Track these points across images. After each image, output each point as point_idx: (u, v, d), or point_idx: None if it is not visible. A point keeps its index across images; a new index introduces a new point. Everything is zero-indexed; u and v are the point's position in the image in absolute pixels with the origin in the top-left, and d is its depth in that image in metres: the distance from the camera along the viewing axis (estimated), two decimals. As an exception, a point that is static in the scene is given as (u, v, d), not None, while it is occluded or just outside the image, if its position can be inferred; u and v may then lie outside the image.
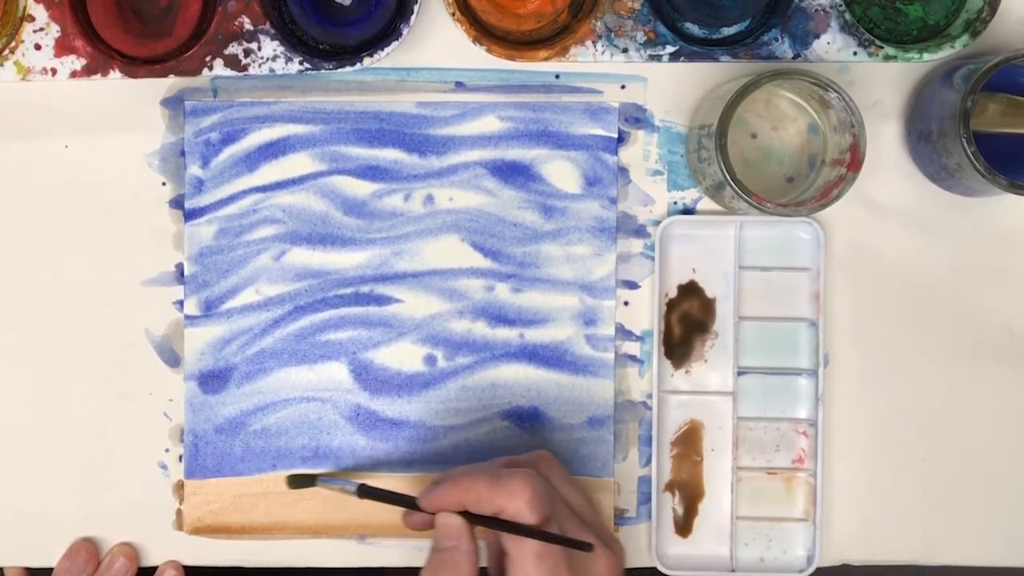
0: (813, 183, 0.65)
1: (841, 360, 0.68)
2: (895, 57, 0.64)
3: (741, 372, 0.68)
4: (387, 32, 0.65)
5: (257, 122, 0.67)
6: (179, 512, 0.68)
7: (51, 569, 0.68)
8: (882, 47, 0.64)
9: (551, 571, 0.56)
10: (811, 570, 0.67)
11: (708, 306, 0.68)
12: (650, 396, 0.68)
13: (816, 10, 0.65)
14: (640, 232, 0.68)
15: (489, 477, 0.58)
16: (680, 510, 0.68)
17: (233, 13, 0.64)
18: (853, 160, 0.61)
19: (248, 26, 0.64)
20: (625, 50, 0.65)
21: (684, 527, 0.68)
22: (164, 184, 0.68)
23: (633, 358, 0.68)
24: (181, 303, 0.68)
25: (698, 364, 0.68)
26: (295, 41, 0.65)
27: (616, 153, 0.68)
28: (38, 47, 0.64)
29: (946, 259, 0.68)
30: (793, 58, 0.65)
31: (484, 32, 0.65)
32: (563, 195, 0.68)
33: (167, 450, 0.68)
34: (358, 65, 0.64)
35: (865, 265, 0.68)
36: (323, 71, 0.65)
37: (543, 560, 0.56)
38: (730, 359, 0.68)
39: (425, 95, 0.68)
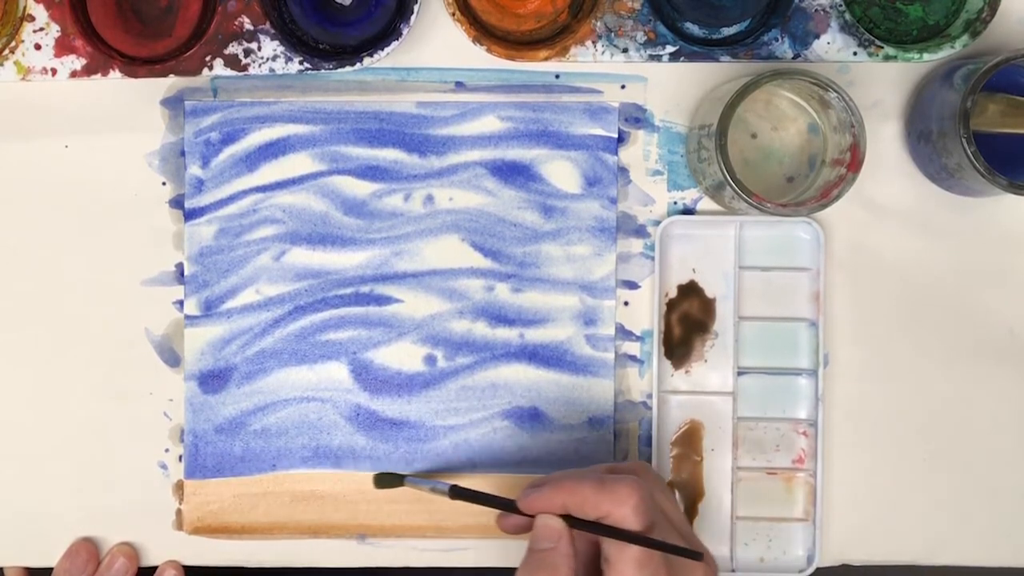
0: (813, 183, 0.65)
1: (841, 360, 0.68)
2: (895, 57, 0.64)
3: (741, 372, 0.68)
4: (387, 32, 0.65)
5: (257, 122, 0.67)
6: (179, 512, 0.68)
7: (51, 569, 0.68)
8: (882, 47, 0.64)
9: None
10: (811, 570, 0.67)
11: (708, 306, 0.68)
12: (650, 396, 0.68)
13: (816, 10, 0.65)
14: (640, 232, 0.68)
15: (595, 482, 0.58)
16: (680, 510, 0.68)
17: (233, 13, 0.64)
18: (853, 160, 0.61)
19: (248, 26, 0.64)
20: (625, 50, 0.65)
21: (684, 527, 0.68)
22: (164, 184, 0.68)
23: (633, 358, 0.68)
24: (181, 303, 0.68)
25: (698, 364, 0.68)
26: (295, 41, 0.65)
27: (616, 153, 0.68)
28: (38, 47, 0.64)
29: (946, 259, 0.68)
30: (793, 58, 0.65)
31: (484, 32, 0.65)
32: (563, 195, 0.68)
33: (167, 450, 0.68)
34: (358, 65, 0.64)
35: (865, 265, 0.68)
36: (323, 71, 0.65)
37: (644, 567, 0.56)
38: (730, 359, 0.68)
39: (425, 95, 0.68)
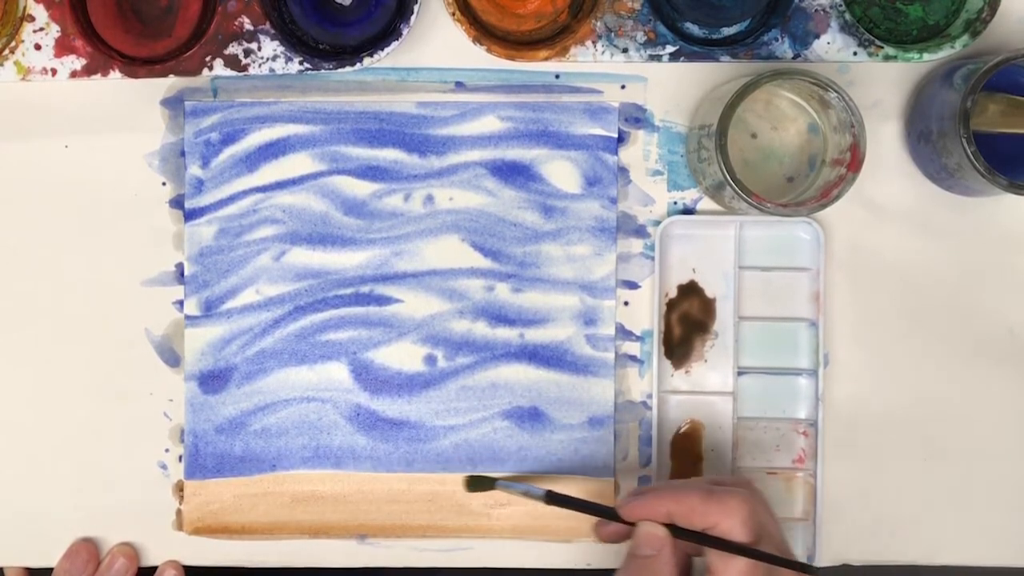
0: (813, 183, 0.65)
1: (841, 360, 0.68)
2: (895, 57, 0.64)
3: (741, 372, 0.68)
4: (387, 32, 0.65)
5: (257, 122, 0.67)
6: (179, 512, 0.68)
7: (51, 569, 0.68)
8: (882, 47, 0.64)
9: None
10: (811, 570, 0.67)
11: (708, 306, 0.68)
12: (650, 396, 0.68)
13: (816, 10, 0.65)
14: (640, 232, 0.68)
15: (703, 492, 0.58)
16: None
17: (233, 13, 0.64)
18: (853, 160, 0.61)
19: (248, 26, 0.64)
20: (625, 50, 0.65)
21: (684, 527, 0.68)
22: (164, 184, 0.68)
23: (633, 358, 0.68)
24: (181, 303, 0.68)
25: (698, 364, 0.68)
26: (295, 41, 0.65)
27: (616, 153, 0.68)
28: (38, 47, 0.64)
29: (946, 259, 0.68)
30: (793, 58, 0.65)
31: (484, 32, 0.65)
32: (563, 195, 0.68)
33: (167, 450, 0.68)
34: (358, 65, 0.64)
35: (865, 265, 0.68)
36: (323, 71, 0.65)
37: None
38: (730, 359, 0.68)
39: (425, 95, 0.68)
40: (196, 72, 0.64)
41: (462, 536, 0.68)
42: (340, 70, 0.64)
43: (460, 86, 0.68)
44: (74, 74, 0.64)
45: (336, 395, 0.68)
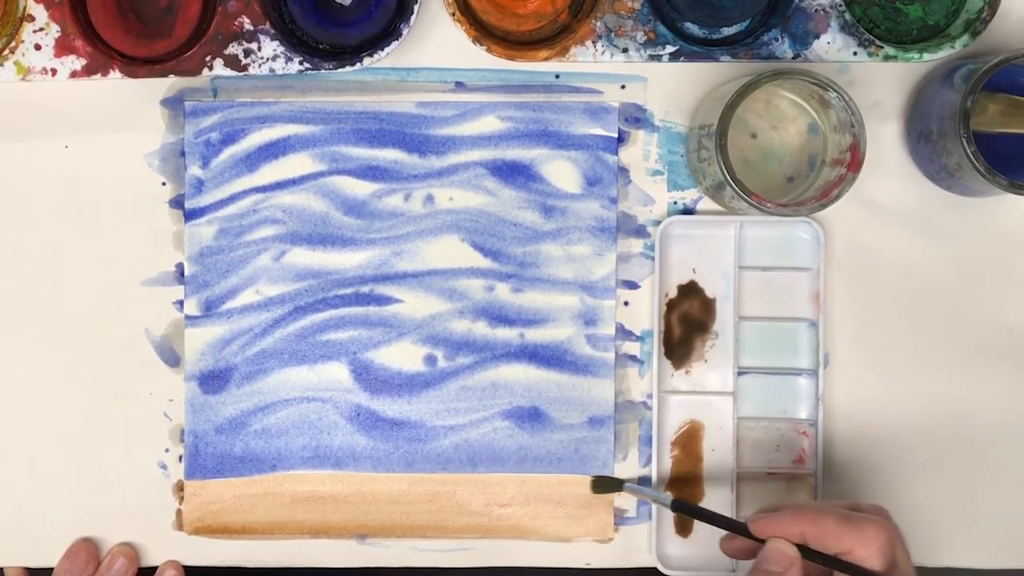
0: (813, 183, 0.65)
1: (841, 360, 0.68)
2: (895, 57, 0.64)
3: (741, 372, 0.68)
4: (387, 32, 0.65)
5: (257, 122, 0.67)
6: (179, 512, 0.68)
7: (51, 569, 0.68)
8: (882, 47, 0.64)
9: None
10: (811, 570, 0.67)
11: (708, 306, 0.68)
12: (650, 396, 0.68)
13: (816, 10, 0.65)
14: (640, 232, 0.68)
15: (840, 516, 0.57)
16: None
17: (233, 13, 0.64)
18: (853, 160, 0.61)
19: (248, 26, 0.64)
20: (625, 50, 0.65)
21: (684, 527, 0.68)
22: (164, 184, 0.68)
23: (633, 358, 0.68)
24: (181, 303, 0.68)
25: (698, 364, 0.68)
26: (295, 41, 0.65)
27: (616, 153, 0.68)
28: (38, 47, 0.64)
29: (946, 259, 0.68)
30: (793, 58, 0.65)
31: (484, 32, 0.65)
32: (563, 195, 0.68)
33: (167, 450, 0.68)
34: (358, 65, 0.64)
35: (865, 265, 0.68)
36: (323, 71, 0.65)
37: None
38: (730, 359, 0.68)
39: (425, 95, 0.68)
40: (196, 72, 0.64)
41: (462, 536, 0.68)
42: (340, 70, 0.64)
43: (460, 86, 0.68)
44: (74, 74, 0.64)
45: (336, 395, 0.68)
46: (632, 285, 0.68)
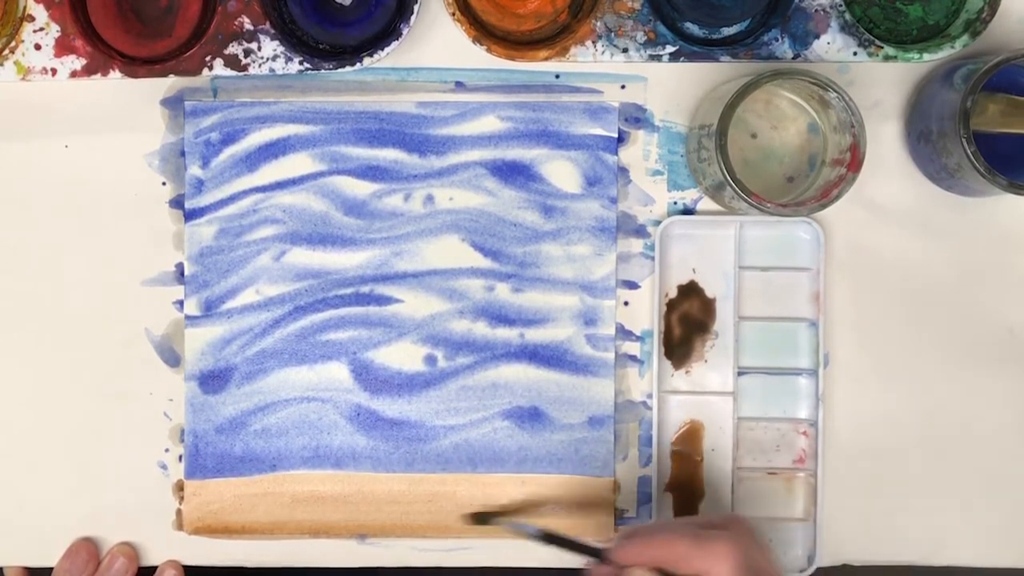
0: (813, 183, 0.65)
1: (841, 360, 0.68)
2: (895, 57, 0.64)
3: (741, 372, 0.68)
4: (387, 32, 0.65)
5: (257, 122, 0.67)
6: (179, 512, 0.68)
7: (51, 569, 0.68)
8: (882, 47, 0.64)
9: None
10: (811, 570, 0.67)
11: (708, 306, 0.68)
12: (650, 396, 0.68)
13: (816, 10, 0.65)
14: (640, 232, 0.68)
15: (691, 537, 0.57)
16: (680, 510, 0.68)
17: (233, 13, 0.64)
18: (853, 160, 0.61)
19: (248, 26, 0.64)
20: (625, 50, 0.65)
21: (684, 527, 0.68)
22: (164, 184, 0.68)
23: (633, 358, 0.68)
24: (181, 303, 0.68)
25: (698, 364, 0.68)
26: (295, 41, 0.65)
27: (616, 153, 0.68)
28: (38, 47, 0.64)
29: (946, 259, 0.68)
30: (793, 58, 0.65)
31: (484, 32, 0.65)
32: (563, 195, 0.68)
33: (167, 450, 0.68)
34: (358, 65, 0.64)
35: (865, 265, 0.68)
36: (323, 71, 0.65)
37: None
38: (730, 359, 0.68)
39: (425, 95, 0.68)
40: (196, 72, 0.64)
41: (462, 536, 0.68)
42: (340, 70, 0.64)
43: (460, 86, 0.68)
44: (74, 74, 0.64)
45: (336, 395, 0.68)
46: (632, 285, 0.68)
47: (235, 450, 0.68)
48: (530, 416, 0.68)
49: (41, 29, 0.64)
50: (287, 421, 0.68)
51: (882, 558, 0.68)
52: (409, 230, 0.68)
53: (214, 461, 0.68)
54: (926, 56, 0.64)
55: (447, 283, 0.68)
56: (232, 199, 0.67)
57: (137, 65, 0.64)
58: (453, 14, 0.64)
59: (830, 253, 0.68)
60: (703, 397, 0.68)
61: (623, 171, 0.68)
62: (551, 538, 0.61)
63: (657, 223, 0.68)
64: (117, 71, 0.64)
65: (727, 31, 0.66)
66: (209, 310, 0.68)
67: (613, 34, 0.65)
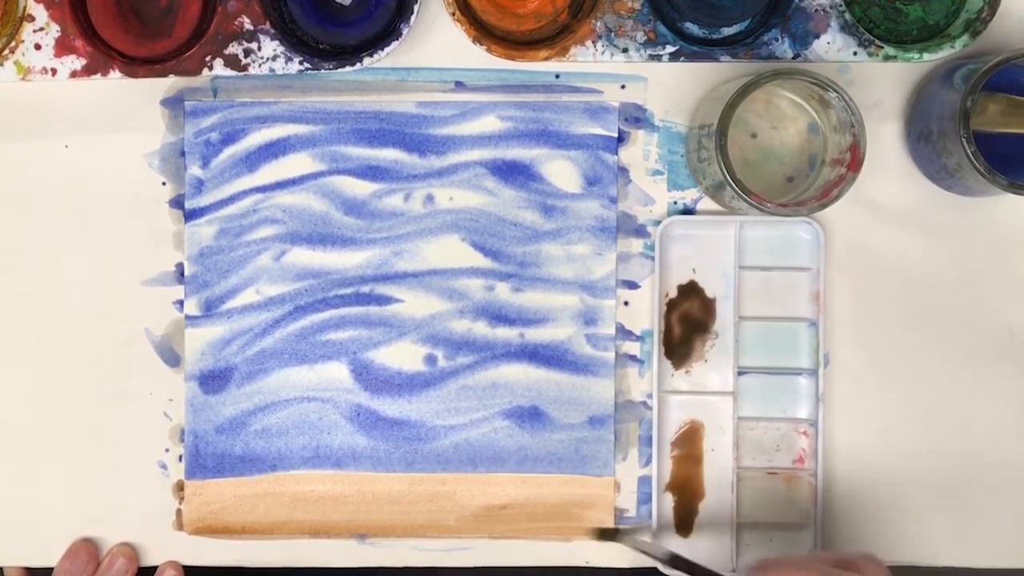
0: (813, 183, 0.65)
1: (841, 360, 0.68)
2: (895, 57, 0.64)
3: (741, 372, 0.68)
4: (387, 32, 0.65)
5: (257, 122, 0.67)
6: (179, 512, 0.68)
7: (51, 569, 0.68)
8: (882, 47, 0.64)
9: None
10: (811, 570, 0.67)
11: (708, 306, 0.68)
12: (650, 396, 0.68)
13: (816, 10, 0.65)
14: (640, 232, 0.68)
15: (824, 573, 0.55)
16: (680, 510, 0.68)
17: (233, 13, 0.64)
18: (853, 160, 0.61)
19: (248, 26, 0.64)
20: (625, 50, 0.65)
21: (684, 527, 0.68)
22: (164, 184, 0.68)
23: (633, 358, 0.68)
24: (181, 303, 0.68)
25: (698, 364, 0.68)
26: (295, 41, 0.65)
27: (616, 153, 0.68)
28: (38, 47, 0.64)
29: (946, 259, 0.68)
30: (793, 58, 0.65)
31: (484, 32, 0.65)
32: (563, 195, 0.68)
33: (167, 450, 0.68)
34: (358, 65, 0.64)
35: (865, 265, 0.68)
36: (323, 71, 0.65)
37: None
38: (730, 359, 0.68)
39: (425, 95, 0.68)
40: (196, 72, 0.64)
41: (462, 536, 0.68)
42: (340, 70, 0.64)
43: (460, 86, 0.68)
44: (74, 74, 0.64)
45: (336, 395, 0.68)
46: (632, 285, 0.68)
47: (235, 450, 0.68)
48: (530, 416, 0.68)
49: (41, 29, 0.64)
50: (287, 421, 0.68)
51: (882, 558, 0.68)
52: (409, 230, 0.68)
53: (214, 461, 0.68)
54: (926, 56, 0.64)
55: (447, 283, 0.68)
56: (232, 199, 0.67)
57: (137, 65, 0.64)
58: (453, 14, 0.64)
59: (830, 253, 0.68)
60: (703, 397, 0.68)
61: (623, 171, 0.68)
62: (678, 561, 0.61)
63: (657, 223, 0.68)
64: (117, 71, 0.64)
65: (727, 31, 0.66)
66: (209, 310, 0.68)
67: (613, 34, 0.65)
